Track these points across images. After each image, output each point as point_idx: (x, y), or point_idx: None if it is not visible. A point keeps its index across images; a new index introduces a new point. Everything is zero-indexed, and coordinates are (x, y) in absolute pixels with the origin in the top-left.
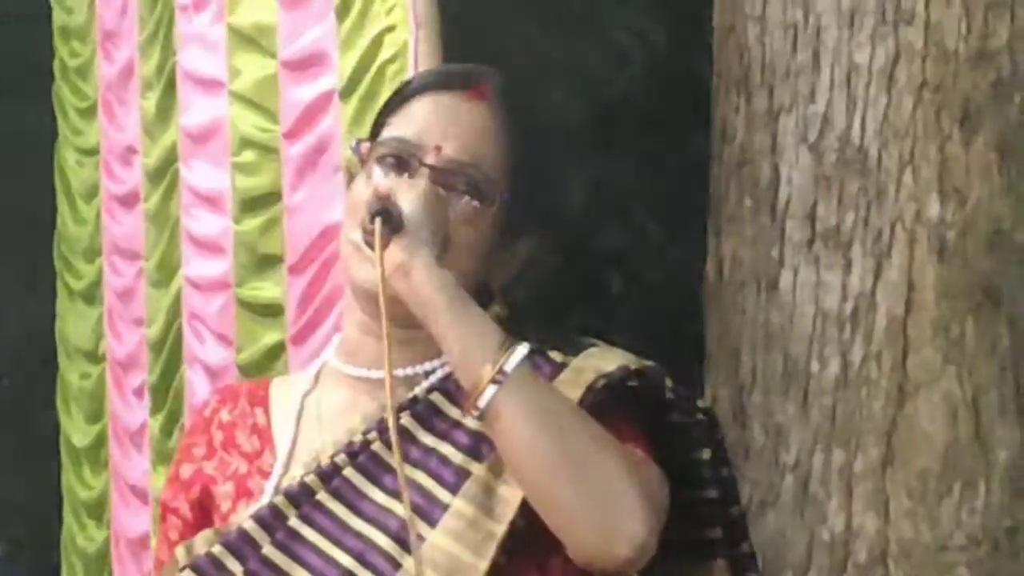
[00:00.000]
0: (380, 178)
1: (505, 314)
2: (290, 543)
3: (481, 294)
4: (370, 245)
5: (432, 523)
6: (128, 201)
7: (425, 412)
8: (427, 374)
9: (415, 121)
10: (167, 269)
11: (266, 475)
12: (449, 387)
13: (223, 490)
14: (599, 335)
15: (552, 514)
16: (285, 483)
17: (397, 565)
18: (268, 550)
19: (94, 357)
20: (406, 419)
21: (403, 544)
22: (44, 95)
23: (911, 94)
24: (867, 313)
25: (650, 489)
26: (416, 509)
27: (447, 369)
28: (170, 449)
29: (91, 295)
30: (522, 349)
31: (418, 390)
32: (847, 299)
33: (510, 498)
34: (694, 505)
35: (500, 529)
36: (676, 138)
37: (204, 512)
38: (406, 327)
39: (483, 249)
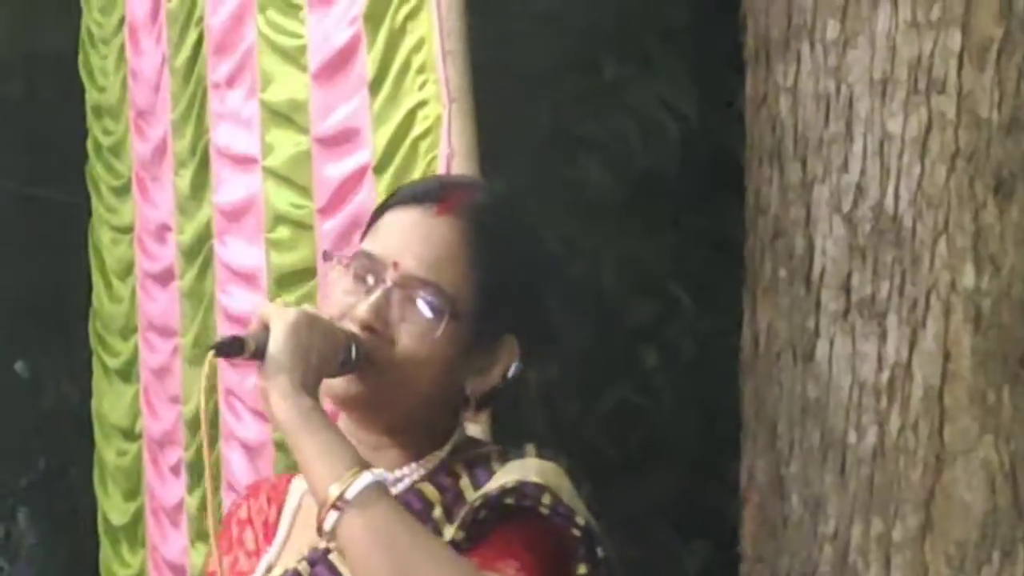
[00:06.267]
0: (341, 287)
1: (482, 422)
2: None
3: (456, 404)
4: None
5: None
6: (163, 278)
7: None
8: (397, 481)
9: (381, 236)
10: (203, 346)
11: None
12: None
13: None
14: (637, 408)
15: None
16: None
17: None
18: None
19: (131, 435)
20: None
21: None
22: (78, 174)
23: (944, 163)
24: (903, 383)
25: None
26: None
27: (418, 475)
28: (208, 526)
29: (127, 372)
30: (367, 476)
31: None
32: (883, 369)
33: None
34: None
35: None
36: (709, 210)
37: None
38: (379, 433)
39: (445, 360)
